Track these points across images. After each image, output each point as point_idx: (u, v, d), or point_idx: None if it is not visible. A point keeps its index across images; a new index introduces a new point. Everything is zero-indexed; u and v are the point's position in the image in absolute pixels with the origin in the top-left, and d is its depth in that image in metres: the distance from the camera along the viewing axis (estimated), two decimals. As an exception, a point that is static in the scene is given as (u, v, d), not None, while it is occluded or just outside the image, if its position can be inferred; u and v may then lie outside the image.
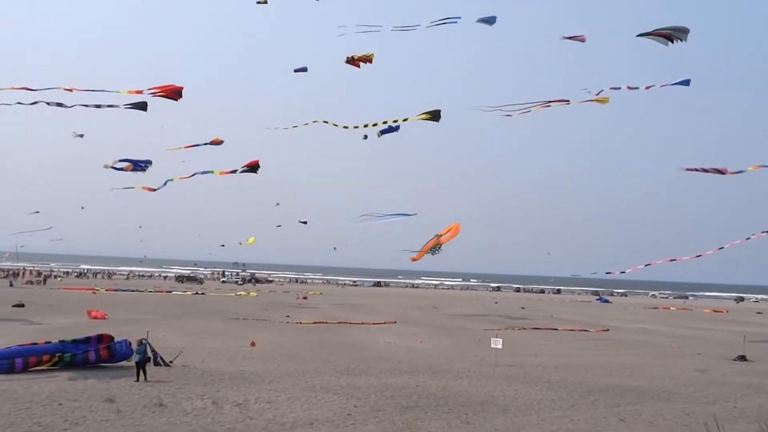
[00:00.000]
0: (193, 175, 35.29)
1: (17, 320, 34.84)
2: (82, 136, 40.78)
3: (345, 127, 35.09)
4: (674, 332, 46.35)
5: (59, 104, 25.41)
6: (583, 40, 27.73)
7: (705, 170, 31.39)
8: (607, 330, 45.80)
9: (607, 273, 46.12)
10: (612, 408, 16.85)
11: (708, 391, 20.22)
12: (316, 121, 34.56)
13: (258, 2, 28.46)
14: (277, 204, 64.70)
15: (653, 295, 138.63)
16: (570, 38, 27.70)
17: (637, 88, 27.88)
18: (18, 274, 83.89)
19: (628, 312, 73.82)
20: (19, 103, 24.85)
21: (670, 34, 24.35)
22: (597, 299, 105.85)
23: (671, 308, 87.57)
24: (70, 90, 25.39)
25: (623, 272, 35.30)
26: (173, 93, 25.64)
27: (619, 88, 28.01)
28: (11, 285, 69.71)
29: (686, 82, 27.11)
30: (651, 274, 47.57)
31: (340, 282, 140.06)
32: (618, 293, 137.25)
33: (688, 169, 31.58)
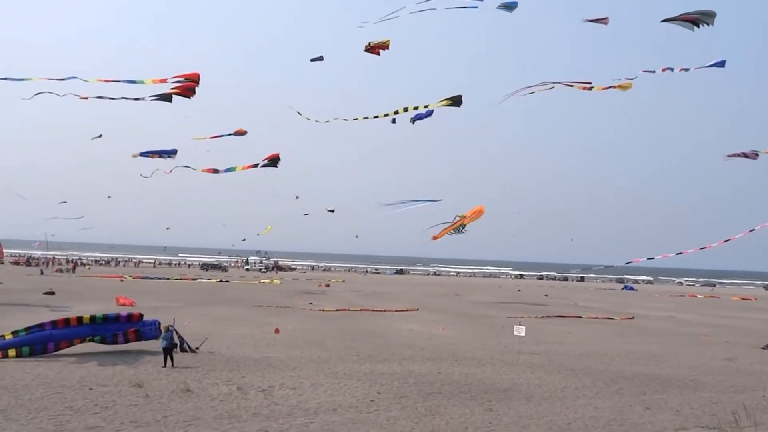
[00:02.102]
0: (216, 171, 35.77)
1: (48, 307, 35.64)
2: (100, 136, 41.49)
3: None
4: (701, 320, 45.71)
5: (85, 97, 25.81)
6: (605, 23, 27.26)
7: (746, 155, 30.80)
8: (633, 318, 45.31)
9: (627, 263, 45.39)
10: (637, 396, 16.70)
11: (736, 380, 19.92)
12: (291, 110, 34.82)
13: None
14: (297, 197, 65.82)
15: (680, 282, 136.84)
16: (592, 21, 27.26)
17: (672, 69, 27.35)
18: (49, 263, 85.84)
19: (653, 300, 72.95)
20: (50, 92, 25.27)
21: (696, 19, 23.83)
22: (622, 287, 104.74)
23: (698, 296, 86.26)
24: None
25: (651, 258, 34.77)
26: (187, 91, 26.00)
27: (653, 71, 27.51)
28: (42, 273, 71.34)
29: (721, 64, 26.54)
30: (678, 261, 46.87)
31: (362, 270, 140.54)
32: (643, 281, 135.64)
33: (729, 156, 31.04)
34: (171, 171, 36.91)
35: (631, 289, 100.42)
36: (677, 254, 38.35)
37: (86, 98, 25.69)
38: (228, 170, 36.44)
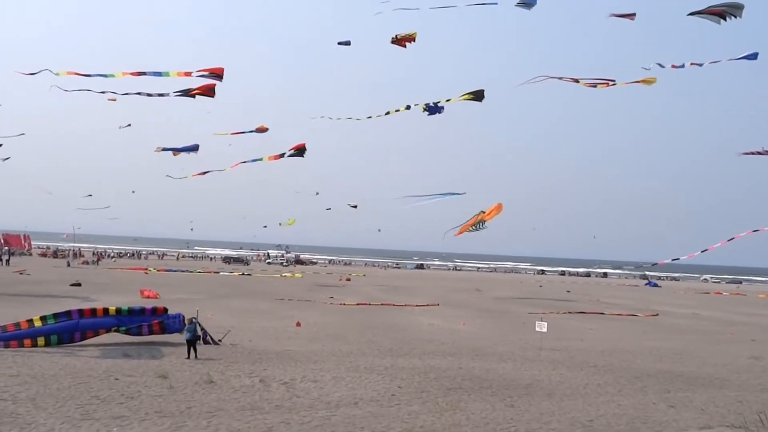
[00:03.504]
0: (243, 162, 36.15)
1: (75, 298, 36.29)
2: (129, 125, 42.15)
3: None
4: (727, 318, 44.99)
5: (113, 93, 26.26)
6: (632, 18, 26.87)
7: (761, 153, 30.18)
8: (657, 315, 44.76)
9: (653, 264, 44.54)
10: (661, 394, 16.52)
11: (762, 378, 19.59)
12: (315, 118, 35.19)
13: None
14: (317, 193, 66.46)
15: (705, 279, 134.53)
16: (619, 16, 26.90)
17: (701, 64, 26.83)
18: (75, 255, 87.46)
19: (678, 297, 71.97)
20: (78, 89, 25.72)
21: (723, 11, 23.33)
22: (645, 283, 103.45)
23: (724, 293, 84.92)
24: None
25: (676, 259, 34.06)
26: (209, 90, 26.32)
27: (682, 66, 27.03)
28: (68, 265, 72.66)
29: (753, 56, 25.94)
30: (703, 258, 46.02)
31: (382, 264, 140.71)
32: (667, 277, 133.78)
33: (745, 153, 30.42)
34: (205, 173, 37.49)
35: (655, 285, 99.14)
36: (702, 252, 37.59)
37: (114, 99, 26.14)
38: (255, 160, 36.85)
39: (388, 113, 33.89)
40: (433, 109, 33.40)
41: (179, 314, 22.03)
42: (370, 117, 34.56)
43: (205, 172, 37.56)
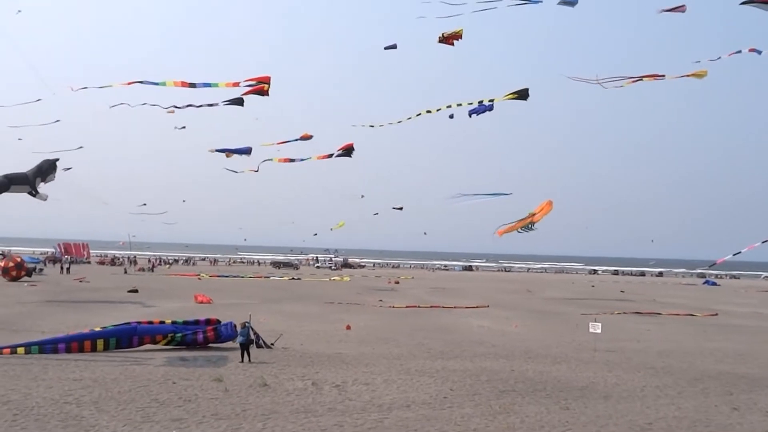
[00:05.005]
0: (292, 160, 36.86)
1: (133, 303, 37.51)
2: (184, 128, 43.69)
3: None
4: (793, 317, 42.99)
5: (171, 107, 27.12)
6: (683, 11, 26.13)
7: None
8: (716, 314, 43.17)
9: (711, 265, 42.87)
10: (723, 396, 15.91)
11: (834, 380, 18.63)
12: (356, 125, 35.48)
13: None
14: (362, 196, 66.90)
15: (766, 277, 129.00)
16: (668, 11, 26.20)
17: (760, 52, 25.93)
18: (132, 262, 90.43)
19: (738, 295, 69.22)
20: (131, 104, 26.70)
21: None
22: (704, 282, 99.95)
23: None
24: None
25: (738, 253, 32.69)
26: (262, 91, 26.79)
27: (740, 52, 26.17)
28: (125, 272, 75.18)
29: None
30: (766, 253, 44.08)
31: (430, 266, 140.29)
32: (727, 275, 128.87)
33: None
34: (257, 170, 38.62)
35: (713, 284, 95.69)
36: (764, 242, 35.90)
37: (173, 112, 27.00)
38: (303, 160, 37.62)
39: (409, 118, 33.94)
40: (479, 109, 33.12)
41: (231, 322, 22.55)
42: (390, 123, 34.82)
43: (258, 167, 38.65)
